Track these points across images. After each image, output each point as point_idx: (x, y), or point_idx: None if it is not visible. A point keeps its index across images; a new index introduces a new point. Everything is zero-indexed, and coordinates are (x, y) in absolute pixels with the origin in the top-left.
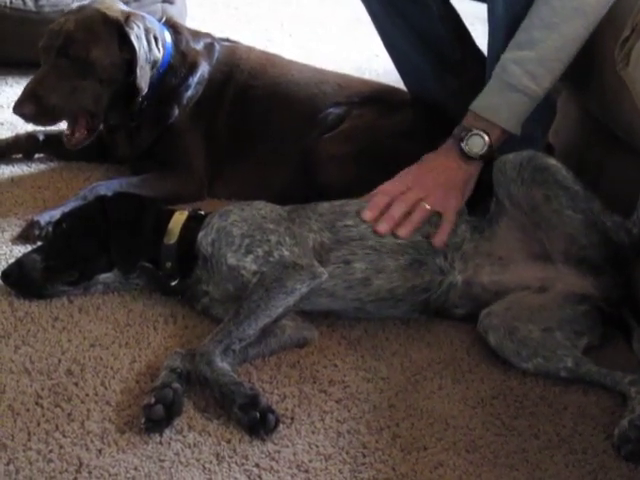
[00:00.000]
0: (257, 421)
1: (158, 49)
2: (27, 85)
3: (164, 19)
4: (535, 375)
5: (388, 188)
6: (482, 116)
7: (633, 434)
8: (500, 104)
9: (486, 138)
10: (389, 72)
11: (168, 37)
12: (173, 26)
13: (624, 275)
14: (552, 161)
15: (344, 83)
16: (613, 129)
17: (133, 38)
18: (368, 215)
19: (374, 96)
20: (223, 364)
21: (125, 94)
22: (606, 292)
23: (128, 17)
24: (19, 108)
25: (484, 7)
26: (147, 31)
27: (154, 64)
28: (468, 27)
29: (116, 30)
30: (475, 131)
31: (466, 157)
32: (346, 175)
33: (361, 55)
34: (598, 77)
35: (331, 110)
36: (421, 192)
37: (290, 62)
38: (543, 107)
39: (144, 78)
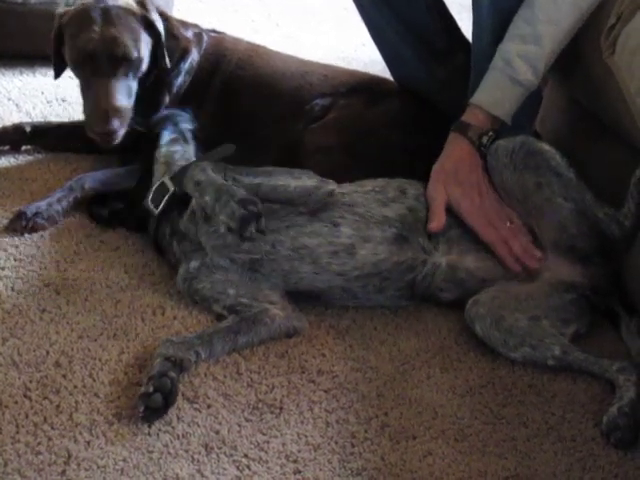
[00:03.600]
0: (254, 215)
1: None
2: (102, 100)
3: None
4: (523, 364)
5: (494, 239)
6: (492, 113)
7: (622, 421)
8: (504, 98)
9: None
10: (375, 61)
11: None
12: (162, 14)
13: (613, 264)
14: (546, 146)
15: (330, 74)
16: (599, 117)
17: (158, 24)
18: (517, 267)
19: (360, 86)
20: (217, 175)
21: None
22: (594, 281)
23: (144, 5)
24: (107, 125)
25: None
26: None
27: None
28: (455, 16)
29: (144, 21)
30: (493, 135)
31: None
32: (333, 165)
33: (348, 44)
34: (584, 65)
35: (317, 101)
36: (497, 215)
37: (276, 53)
38: (529, 96)
39: (166, 55)
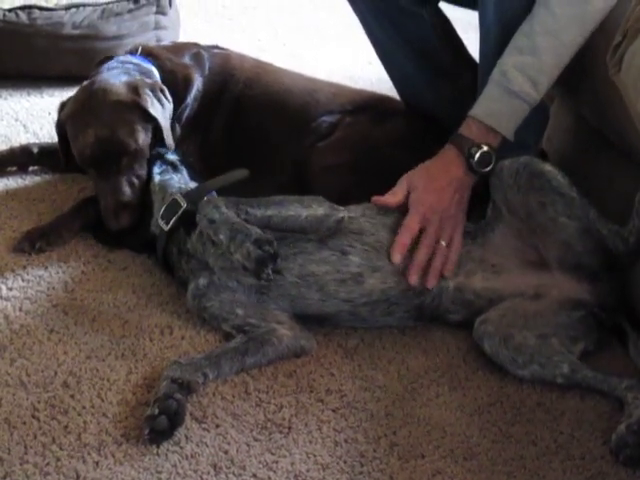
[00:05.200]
0: (270, 255)
1: (168, 100)
2: (109, 199)
3: (139, 50)
4: (532, 382)
5: (410, 224)
6: (485, 123)
7: (631, 439)
8: (501, 111)
9: (493, 156)
10: (382, 80)
11: (151, 66)
12: (150, 54)
13: (620, 281)
14: (548, 167)
15: (337, 92)
16: (606, 135)
17: (152, 110)
18: (397, 259)
19: (367, 104)
20: (229, 211)
21: None
22: (601, 298)
23: (137, 91)
24: (118, 223)
25: (477, 14)
26: (154, 90)
27: (171, 115)
28: (461, 35)
29: (137, 109)
30: (485, 148)
31: (472, 172)
32: (341, 184)
33: (354, 64)
34: (591, 83)
35: (324, 118)
36: (437, 225)
37: (283, 71)
38: (536, 114)
39: (169, 137)
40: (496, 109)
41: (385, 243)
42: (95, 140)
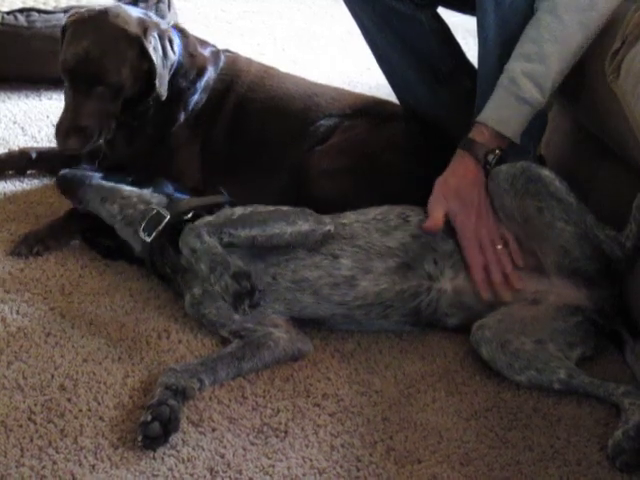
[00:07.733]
0: (247, 291)
1: (173, 51)
2: (65, 117)
3: (171, 23)
4: (529, 387)
5: (475, 259)
6: (497, 130)
7: (627, 445)
8: (511, 117)
9: (505, 158)
10: (381, 85)
11: (177, 40)
12: (181, 31)
13: (617, 287)
14: (546, 172)
15: (337, 96)
16: (604, 141)
17: (151, 51)
18: (489, 295)
19: (366, 108)
20: (212, 239)
21: (133, 98)
22: (599, 304)
23: (146, 30)
24: (65, 144)
25: (475, 20)
26: (161, 37)
27: (170, 67)
28: (460, 40)
29: (137, 46)
30: (498, 152)
31: (487, 174)
32: (339, 188)
33: (353, 68)
34: (589, 89)
35: (322, 122)
36: (489, 238)
37: (286, 75)
38: (535, 119)
39: (163, 85)
40: (506, 115)
41: (375, 244)
42: (83, 54)
